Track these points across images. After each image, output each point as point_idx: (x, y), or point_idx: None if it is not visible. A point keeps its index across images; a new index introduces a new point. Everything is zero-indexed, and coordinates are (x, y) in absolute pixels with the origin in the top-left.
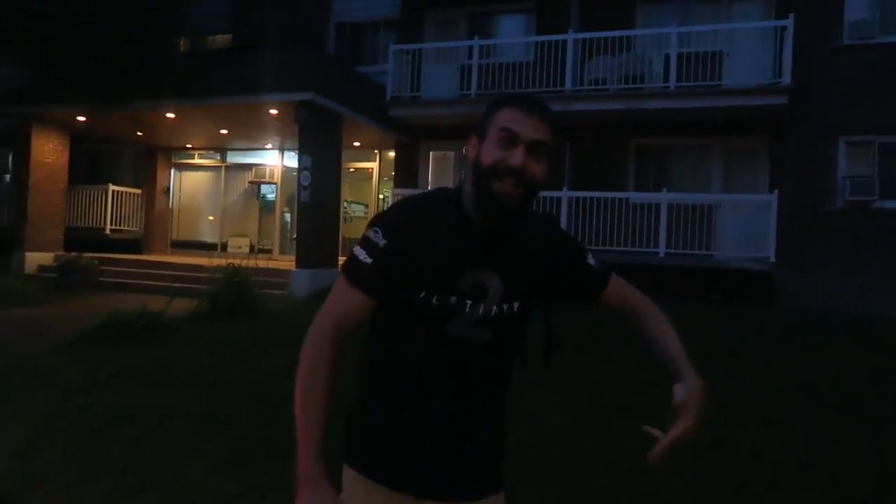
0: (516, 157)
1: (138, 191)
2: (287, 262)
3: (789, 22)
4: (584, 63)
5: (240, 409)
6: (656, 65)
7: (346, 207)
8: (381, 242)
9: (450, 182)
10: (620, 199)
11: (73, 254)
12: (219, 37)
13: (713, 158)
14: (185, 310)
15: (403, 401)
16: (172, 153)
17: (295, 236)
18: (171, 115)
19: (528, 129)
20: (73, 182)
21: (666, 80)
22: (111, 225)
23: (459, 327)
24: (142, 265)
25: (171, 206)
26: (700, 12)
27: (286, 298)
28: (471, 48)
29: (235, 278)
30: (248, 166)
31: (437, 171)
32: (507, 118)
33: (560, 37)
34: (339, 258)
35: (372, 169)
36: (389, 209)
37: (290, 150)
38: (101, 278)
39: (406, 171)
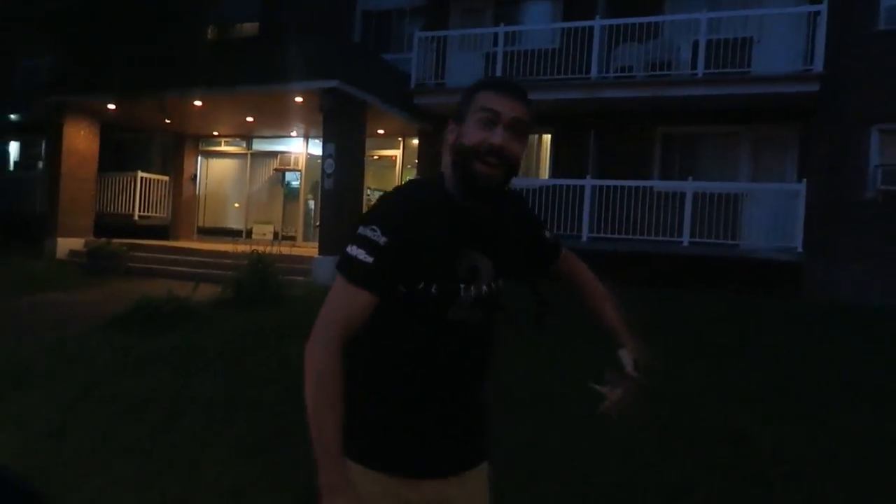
0: (497, 136)
1: (166, 178)
2: (310, 249)
3: (823, 7)
4: (610, 50)
5: (262, 394)
6: (684, 52)
7: (369, 195)
8: (382, 240)
9: None
10: (645, 188)
11: (103, 239)
12: (246, 25)
13: (741, 147)
14: (211, 295)
15: (400, 389)
16: (200, 141)
17: (318, 223)
18: (198, 104)
19: (507, 108)
20: (103, 169)
21: (694, 67)
22: (139, 211)
23: (460, 311)
24: (169, 251)
25: (197, 192)
26: None
27: (309, 285)
28: (496, 35)
29: (259, 265)
30: (273, 154)
31: None
32: (486, 99)
33: (587, 23)
34: None
35: (395, 157)
36: (380, 206)
37: (314, 137)
38: (129, 264)
39: (429, 160)
